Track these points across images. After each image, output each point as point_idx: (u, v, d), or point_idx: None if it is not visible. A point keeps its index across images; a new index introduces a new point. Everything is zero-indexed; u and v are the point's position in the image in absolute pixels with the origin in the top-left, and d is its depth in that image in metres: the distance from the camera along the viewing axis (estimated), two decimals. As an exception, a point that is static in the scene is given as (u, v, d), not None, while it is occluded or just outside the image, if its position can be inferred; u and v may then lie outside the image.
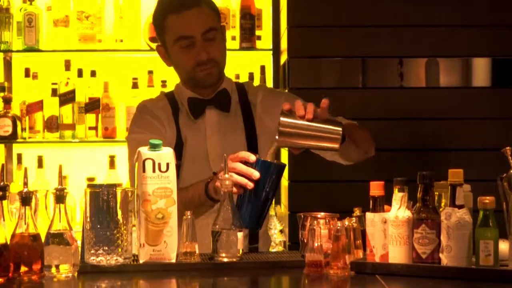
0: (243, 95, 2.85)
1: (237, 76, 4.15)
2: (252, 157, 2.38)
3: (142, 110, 2.84)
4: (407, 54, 3.73)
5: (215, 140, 2.77)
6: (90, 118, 4.18)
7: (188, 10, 2.71)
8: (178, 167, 2.72)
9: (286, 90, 3.76)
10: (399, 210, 2.18)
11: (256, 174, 2.36)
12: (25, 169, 2.30)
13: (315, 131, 2.38)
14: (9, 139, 4.14)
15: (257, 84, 3.05)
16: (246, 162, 2.37)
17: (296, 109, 2.38)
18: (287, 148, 3.01)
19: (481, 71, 3.75)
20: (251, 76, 4.13)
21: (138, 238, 2.27)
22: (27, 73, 4.20)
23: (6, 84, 4.21)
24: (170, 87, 4.21)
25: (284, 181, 3.82)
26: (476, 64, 3.74)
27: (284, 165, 2.45)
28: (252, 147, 2.75)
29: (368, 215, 2.23)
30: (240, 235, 2.29)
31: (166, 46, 2.79)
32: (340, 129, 2.38)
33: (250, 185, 2.35)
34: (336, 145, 2.39)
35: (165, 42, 2.78)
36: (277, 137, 2.39)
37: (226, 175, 2.31)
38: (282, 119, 2.38)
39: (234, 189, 2.32)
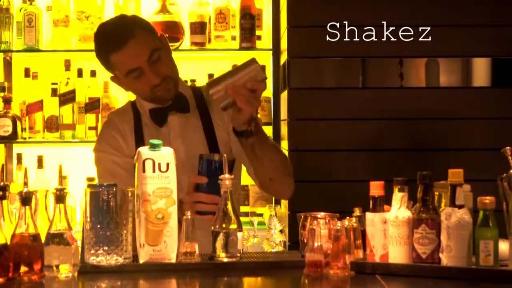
0: (199, 98, 2.90)
1: (237, 76, 4.15)
2: (203, 180, 2.53)
3: (109, 124, 2.93)
4: (407, 54, 3.73)
5: (178, 143, 2.80)
6: (90, 118, 4.18)
7: (126, 45, 2.74)
8: None
9: (286, 91, 3.76)
10: (399, 210, 2.18)
11: (217, 197, 2.41)
12: (25, 169, 2.30)
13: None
14: (9, 139, 4.14)
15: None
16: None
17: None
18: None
19: (481, 71, 3.75)
20: (251, 76, 4.13)
21: (138, 238, 2.27)
22: (27, 73, 4.20)
23: (6, 84, 4.21)
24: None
25: (284, 181, 3.81)
26: (476, 64, 3.74)
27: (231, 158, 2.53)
28: (212, 145, 2.80)
29: (368, 215, 2.23)
30: (240, 235, 2.29)
31: (119, 78, 2.84)
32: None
33: (215, 207, 2.40)
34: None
35: (117, 75, 2.84)
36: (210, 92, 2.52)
37: (226, 175, 2.32)
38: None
39: (208, 217, 2.43)
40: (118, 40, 2.75)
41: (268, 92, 4.11)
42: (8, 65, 4.27)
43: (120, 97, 4.22)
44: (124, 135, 2.85)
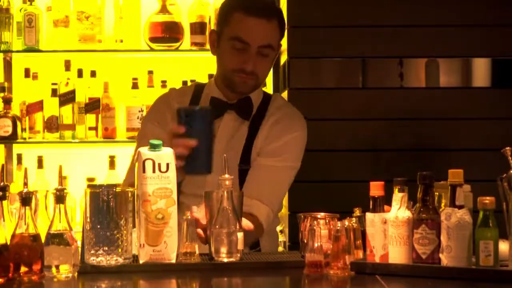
0: (263, 106, 2.86)
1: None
2: (180, 130, 2.44)
3: (165, 99, 2.92)
4: (407, 54, 3.72)
5: (223, 142, 2.78)
6: (90, 119, 4.18)
7: (257, 18, 2.71)
8: None
9: (286, 91, 3.76)
10: (399, 210, 2.18)
11: (192, 142, 2.40)
12: (25, 170, 2.30)
13: None
14: (9, 139, 4.14)
15: (284, 99, 3.09)
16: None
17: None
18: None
19: (481, 71, 3.75)
20: (251, 76, 4.12)
21: (138, 238, 2.27)
22: (27, 73, 4.20)
23: (6, 84, 4.21)
24: (170, 87, 4.23)
25: (284, 181, 3.81)
26: (476, 64, 3.74)
27: (207, 108, 2.53)
28: (245, 158, 2.78)
29: (368, 215, 2.23)
30: (240, 235, 2.29)
31: (220, 36, 2.79)
32: None
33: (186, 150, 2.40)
34: None
35: (222, 32, 2.79)
36: None
37: (226, 175, 2.32)
38: None
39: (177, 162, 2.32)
40: (256, 8, 2.72)
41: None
42: (8, 65, 4.27)
43: (120, 97, 4.22)
44: (173, 115, 2.78)
